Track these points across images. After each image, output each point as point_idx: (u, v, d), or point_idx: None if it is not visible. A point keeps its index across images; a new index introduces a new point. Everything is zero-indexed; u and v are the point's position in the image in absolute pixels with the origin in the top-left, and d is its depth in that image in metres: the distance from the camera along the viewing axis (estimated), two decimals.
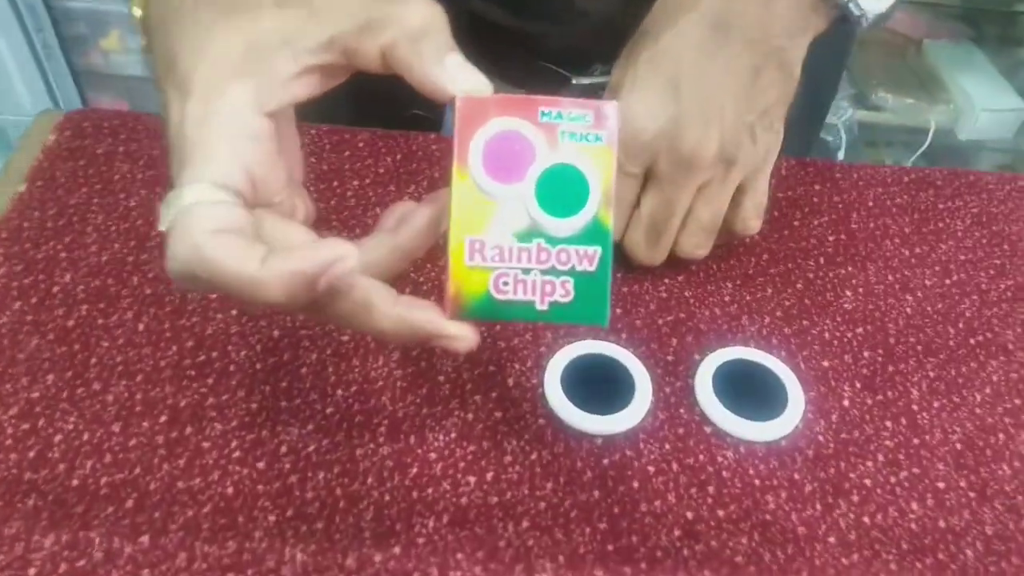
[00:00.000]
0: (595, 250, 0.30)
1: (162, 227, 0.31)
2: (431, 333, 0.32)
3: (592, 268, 0.30)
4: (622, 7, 0.57)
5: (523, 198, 0.30)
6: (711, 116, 0.43)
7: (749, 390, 0.43)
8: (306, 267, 0.29)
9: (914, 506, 0.41)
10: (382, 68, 0.32)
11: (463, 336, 0.32)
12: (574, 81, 0.64)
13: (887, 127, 1.63)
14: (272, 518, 0.38)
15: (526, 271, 0.30)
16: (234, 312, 0.45)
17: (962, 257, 0.53)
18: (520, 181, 0.30)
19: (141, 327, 0.44)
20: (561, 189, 0.30)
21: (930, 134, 1.59)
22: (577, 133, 0.30)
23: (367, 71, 0.33)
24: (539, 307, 0.30)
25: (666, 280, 0.49)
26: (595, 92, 0.64)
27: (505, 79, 0.66)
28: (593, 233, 0.30)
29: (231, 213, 0.30)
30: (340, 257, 0.30)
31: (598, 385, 0.43)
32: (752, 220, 0.47)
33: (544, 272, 0.30)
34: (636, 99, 0.44)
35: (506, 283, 0.30)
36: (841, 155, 1.58)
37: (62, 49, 1.41)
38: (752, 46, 0.44)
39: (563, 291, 0.30)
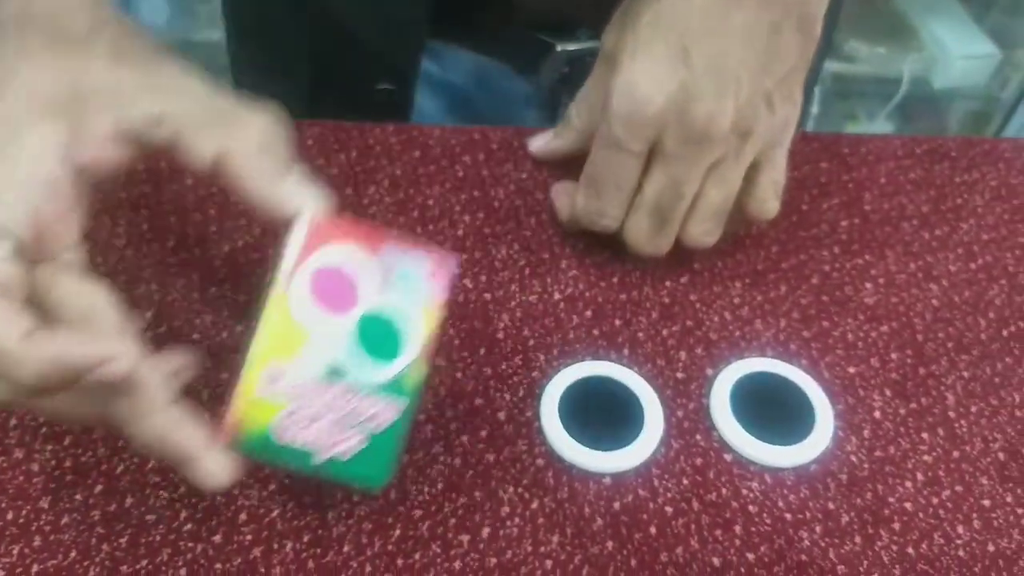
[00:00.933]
0: (401, 403, 0.28)
1: None
2: (184, 456, 0.28)
3: (390, 422, 0.28)
4: None
5: (340, 334, 0.27)
6: (726, 83, 0.38)
7: (771, 407, 0.39)
8: (72, 359, 0.26)
9: (960, 529, 0.37)
10: (206, 170, 0.29)
11: (218, 474, 0.28)
12: (559, 48, 0.58)
13: (860, 78, 1.58)
14: None
15: (318, 416, 0.27)
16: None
17: (985, 237, 0.48)
18: (342, 315, 0.28)
19: None
20: (382, 332, 0.28)
21: (903, 84, 1.55)
22: (412, 278, 0.28)
23: (184, 165, 0.29)
24: (316, 460, 0.27)
25: (668, 283, 0.44)
26: (582, 59, 0.58)
27: (485, 51, 0.60)
28: (401, 385, 0.28)
29: (2, 265, 0.27)
30: (113, 358, 0.26)
31: (601, 413, 0.38)
32: (770, 201, 0.42)
33: (337, 420, 0.27)
34: (640, 67, 0.38)
35: (290, 425, 0.27)
36: (815, 108, 1.53)
37: None
38: (769, 1, 0.38)
39: (349, 445, 0.28)
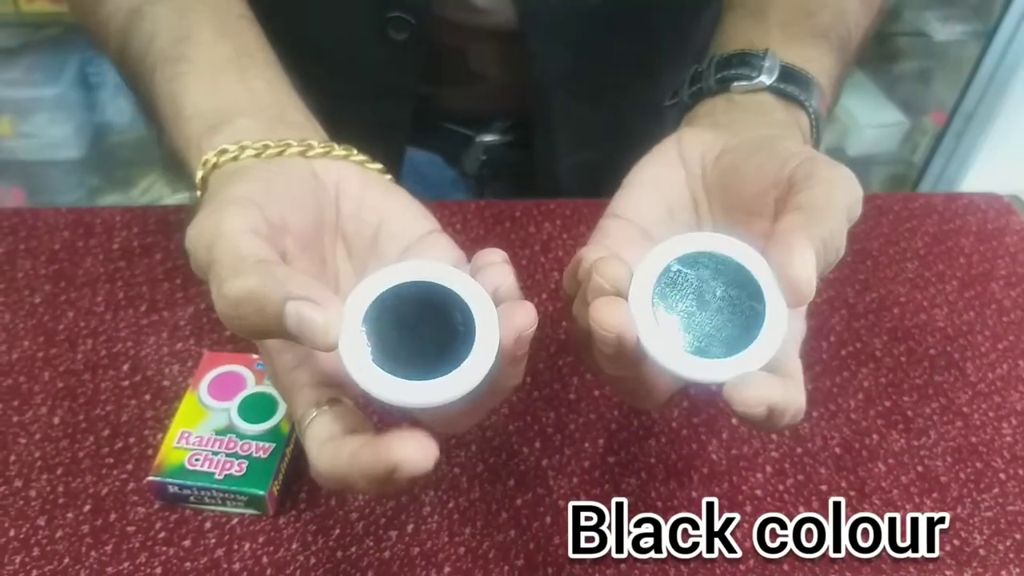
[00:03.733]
0: (271, 445, 0.42)
1: None
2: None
3: (265, 456, 0.42)
4: (518, 72, 0.61)
5: (229, 410, 0.44)
6: None
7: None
8: None
9: (801, 509, 0.45)
10: None
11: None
12: (477, 139, 0.68)
13: None
14: None
15: (215, 453, 0.42)
16: (148, 396, 0.46)
17: (830, 275, 0.57)
18: (230, 400, 0.44)
19: (56, 421, 0.45)
20: (258, 407, 0.44)
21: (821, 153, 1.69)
22: None
23: None
24: (217, 477, 0.41)
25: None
26: (496, 147, 0.68)
27: (417, 143, 0.69)
28: (272, 435, 0.43)
29: None
30: None
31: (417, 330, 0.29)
32: None
33: (228, 455, 0.42)
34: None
35: (198, 459, 0.42)
36: None
37: None
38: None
39: (238, 468, 0.42)
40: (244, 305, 0.27)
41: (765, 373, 0.30)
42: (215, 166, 0.34)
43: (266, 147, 0.34)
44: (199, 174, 0.35)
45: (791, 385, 0.30)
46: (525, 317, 0.29)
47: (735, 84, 0.42)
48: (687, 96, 0.44)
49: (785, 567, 0.42)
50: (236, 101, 0.37)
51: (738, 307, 0.30)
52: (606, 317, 0.29)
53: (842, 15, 0.48)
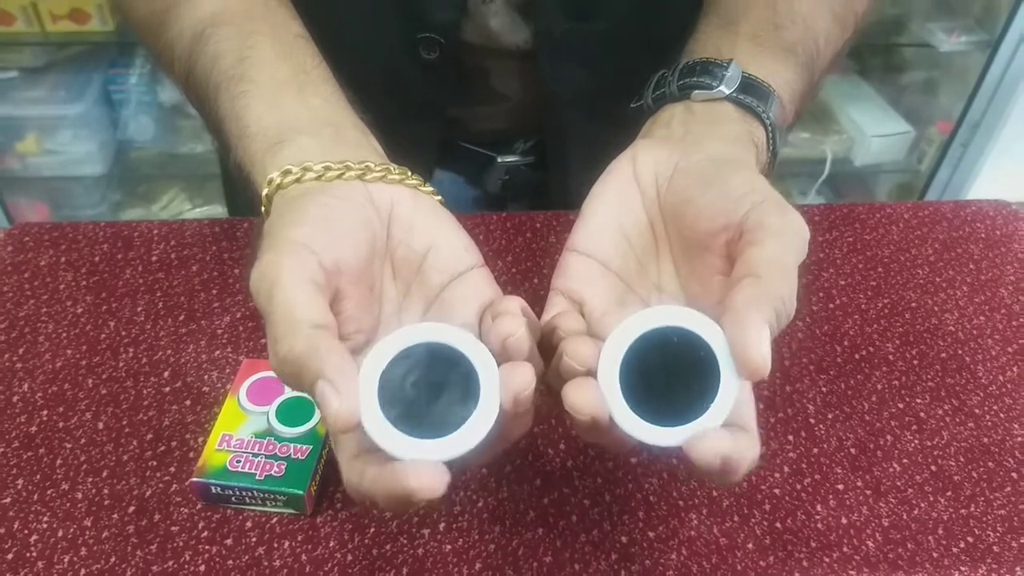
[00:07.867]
0: (308, 447, 0.44)
1: None
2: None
3: (303, 458, 0.44)
4: (537, 92, 0.63)
5: (268, 413, 0.46)
6: None
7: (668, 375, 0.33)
8: None
9: (818, 508, 0.46)
10: None
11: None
12: (499, 160, 0.70)
13: (787, 160, 1.73)
14: None
15: (255, 455, 0.44)
16: (188, 402, 0.48)
17: (842, 282, 0.59)
18: (268, 405, 0.46)
19: (101, 426, 0.47)
20: (295, 410, 0.46)
21: (828, 163, 1.71)
22: None
23: None
24: (257, 478, 0.43)
25: None
26: (517, 168, 0.70)
27: (439, 164, 0.71)
28: (309, 437, 0.45)
29: None
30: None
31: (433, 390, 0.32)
32: None
33: (268, 457, 0.44)
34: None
35: (239, 461, 0.44)
36: None
37: None
38: None
39: (277, 469, 0.43)
40: (287, 365, 0.30)
41: (719, 428, 0.31)
42: (279, 186, 0.36)
43: (327, 169, 0.36)
44: (264, 191, 0.37)
45: (742, 437, 0.31)
46: (522, 379, 0.31)
47: (695, 92, 0.43)
48: (651, 99, 0.45)
49: (804, 563, 0.43)
50: (296, 119, 0.39)
51: (695, 374, 0.32)
52: (580, 402, 0.31)
53: (812, 32, 0.48)
